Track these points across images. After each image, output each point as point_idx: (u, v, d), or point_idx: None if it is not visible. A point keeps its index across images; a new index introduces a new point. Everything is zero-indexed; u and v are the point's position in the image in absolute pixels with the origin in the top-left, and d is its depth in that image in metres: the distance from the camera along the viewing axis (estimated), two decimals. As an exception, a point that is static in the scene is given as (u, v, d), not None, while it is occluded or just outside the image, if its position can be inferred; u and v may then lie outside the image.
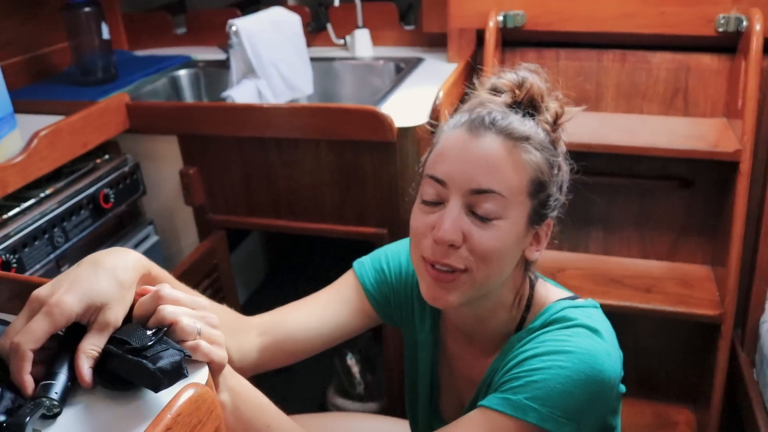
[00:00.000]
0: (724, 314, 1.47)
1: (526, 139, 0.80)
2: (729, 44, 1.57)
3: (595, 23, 1.64)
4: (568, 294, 0.91)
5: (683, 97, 1.64)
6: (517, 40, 1.73)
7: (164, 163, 1.51)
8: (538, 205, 0.82)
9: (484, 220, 0.79)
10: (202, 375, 0.64)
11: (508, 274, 0.85)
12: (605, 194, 1.66)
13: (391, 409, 1.66)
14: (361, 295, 1.00)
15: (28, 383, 0.58)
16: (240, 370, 0.89)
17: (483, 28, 1.66)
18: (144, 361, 0.59)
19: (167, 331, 0.64)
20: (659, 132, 1.57)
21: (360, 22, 1.92)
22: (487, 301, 0.86)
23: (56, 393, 0.59)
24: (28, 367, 0.59)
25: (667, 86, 1.64)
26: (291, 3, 2.03)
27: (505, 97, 0.84)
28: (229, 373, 0.72)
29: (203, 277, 1.53)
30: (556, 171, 0.84)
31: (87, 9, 1.63)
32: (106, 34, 1.68)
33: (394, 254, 1.02)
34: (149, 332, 0.63)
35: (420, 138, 1.38)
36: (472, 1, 1.70)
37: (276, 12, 1.73)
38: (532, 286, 0.90)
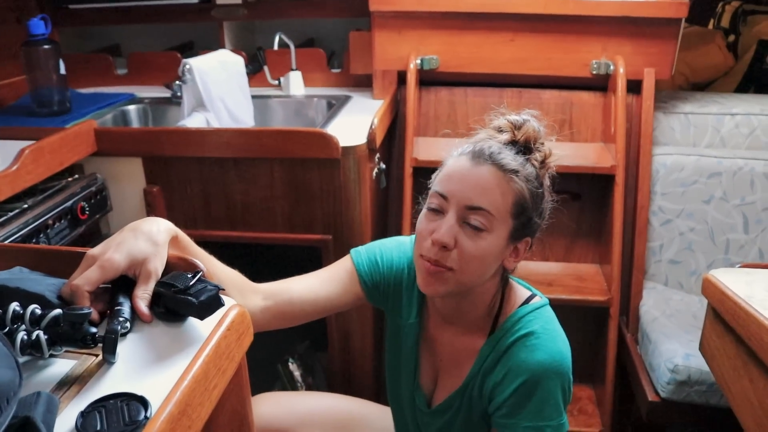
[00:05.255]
0: (611, 299, 1.79)
1: (515, 172, 0.99)
2: (602, 84, 1.95)
3: (496, 66, 1.98)
4: (528, 293, 1.12)
5: (569, 126, 1.99)
6: (432, 80, 2.04)
7: (128, 182, 1.65)
8: (519, 225, 1.01)
9: (473, 230, 0.98)
10: (233, 302, 0.83)
11: (488, 277, 1.04)
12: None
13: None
14: (354, 279, 1.15)
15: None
16: None
17: (404, 70, 1.95)
18: (189, 297, 0.77)
19: (202, 274, 0.82)
20: (552, 154, 1.90)
21: (294, 65, 2.16)
22: (468, 296, 1.06)
23: (125, 315, 0.76)
24: (87, 303, 0.76)
25: (556, 118, 1.99)
26: (228, 48, 2.24)
27: (506, 136, 1.03)
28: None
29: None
30: (538, 200, 1.02)
31: (46, 46, 1.77)
32: (62, 70, 1.82)
33: (387, 250, 1.18)
34: (189, 275, 0.81)
35: (360, 156, 1.62)
36: (394, 48, 1.99)
37: (222, 53, 1.95)
38: (504, 286, 1.10)
